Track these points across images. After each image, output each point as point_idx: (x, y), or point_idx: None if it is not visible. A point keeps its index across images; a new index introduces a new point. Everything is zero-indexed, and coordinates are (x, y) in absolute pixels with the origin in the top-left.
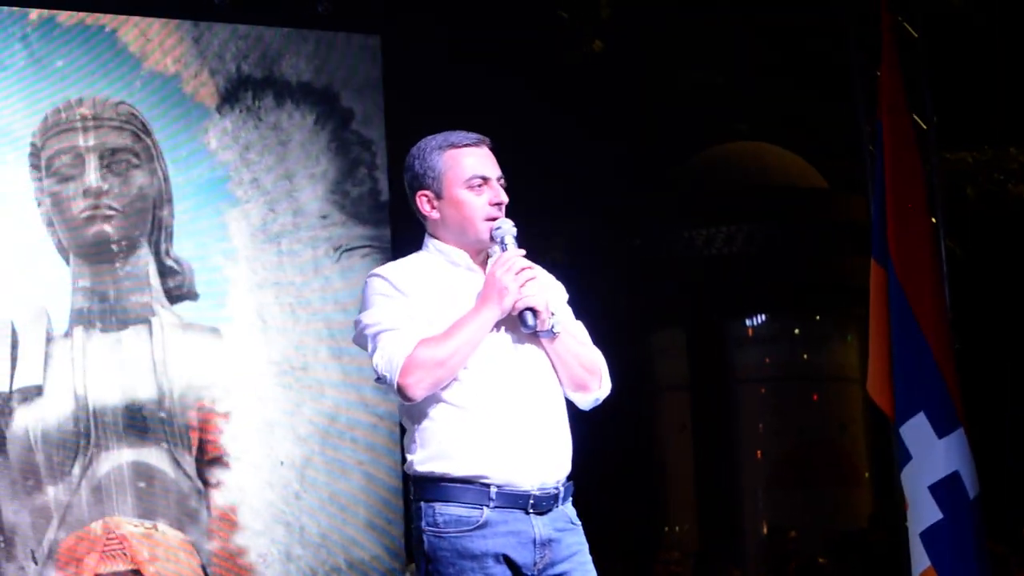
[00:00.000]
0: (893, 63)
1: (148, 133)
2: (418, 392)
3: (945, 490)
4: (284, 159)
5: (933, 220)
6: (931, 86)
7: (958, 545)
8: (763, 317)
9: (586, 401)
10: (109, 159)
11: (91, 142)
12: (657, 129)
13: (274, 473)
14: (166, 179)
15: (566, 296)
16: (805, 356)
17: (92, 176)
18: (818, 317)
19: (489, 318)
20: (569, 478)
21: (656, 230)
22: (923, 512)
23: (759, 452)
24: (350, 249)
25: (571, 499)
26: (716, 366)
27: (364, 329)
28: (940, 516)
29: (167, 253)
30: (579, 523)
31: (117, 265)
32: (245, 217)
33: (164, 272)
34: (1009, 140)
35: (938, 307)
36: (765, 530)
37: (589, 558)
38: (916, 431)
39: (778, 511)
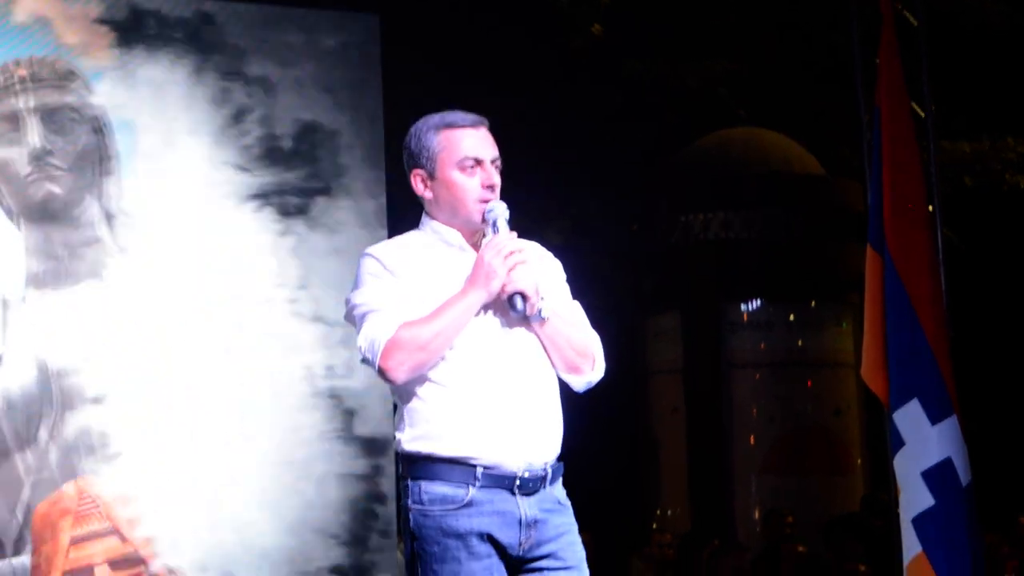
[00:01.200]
0: (892, 51)
1: (89, 90)
2: (399, 374)
3: (938, 476)
4: None
5: (930, 208)
6: (930, 75)
7: (950, 531)
8: (758, 302)
9: (579, 383)
10: (50, 119)
11: (31, 103)
12: (657, 114)
13: None
14: (106, 132)
15: (563, 274)
16: (800, 342)
17: (35, 138)
18: (813, 303)
19: (475, 301)
20: (559, 459)
21: (654, 214)
22: (915, 498)
23: (752, 437)
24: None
25: (560, 480)
26: (711, 350)
27: (352, 309)
28: (932, 502)
29: (114, 205)
30: (568, 504)
31: (66, 223)
32: None
33: (112, 225)
34: (1007, 130)
35: (934, 295)
36: (757, 515)
37: (578, 539)
38: (910, 417)
39: (771, 496)
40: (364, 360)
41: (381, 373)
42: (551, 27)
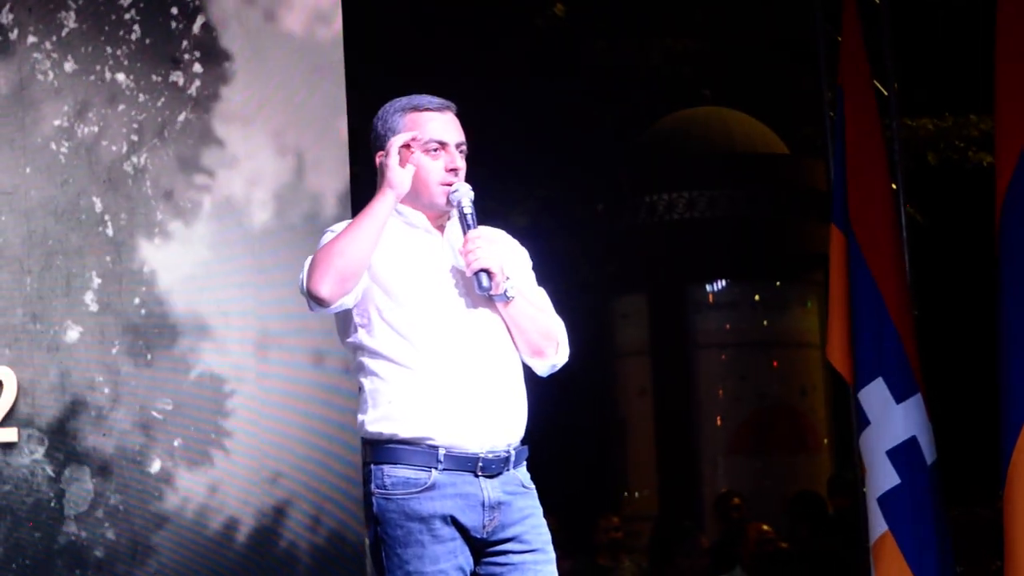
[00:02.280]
0: (855, 29)
1: None
2: (323, 289)
3: (903, 455)
4: None
5: (894, 186)
6: (893, 53)
7: (916, 509)
8: (724, 283)
9: (543, 367)
10: None
11: None
12: (623, 94)
13: None
14: None
15: (529, 262)
16: (765, 322)
17: None
18: (778, 283)
19: (382, 202)
20: (523, 442)
21: (618, 195)
22: (881, 477)
23: (719, 418)
24: None
25: (525, 463)
26: (676, 331)
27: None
28: (898, 481)
29: None
30: (532, 487)
31: None
32: None
33: None
34: (969, 107)
35: (898, 273)
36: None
37: (542, 521)
38: (874, 396)
39: (738, 476)
40: (305, 296)
41: (310, 296)
42: (514, 7)
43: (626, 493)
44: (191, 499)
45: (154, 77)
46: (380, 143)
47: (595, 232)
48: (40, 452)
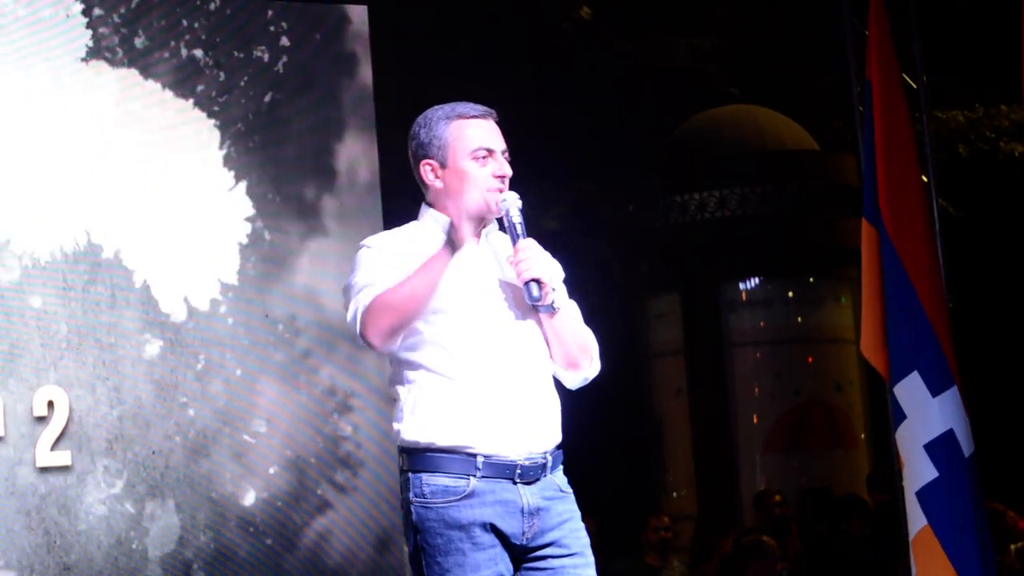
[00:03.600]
0: (882, 23)
1: None
2: (377, 340)
3: (940, 448)
4: None
5: (924, 179)
6: (921, 45)
7: (954, 503)
8: (757, 280)
9: (575, 380)
10: None
11: None
12: (651, 94)
13: None
14: None
15: (562, 275)
16: (799, 319)
17: None
18: (811, 279)
19: (442, 258)
20: (559, 447)
21: (650, 195)
22: (919, 471)
23: (755, 416)
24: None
25: (561, 467)
26: (711, 330)
27: (347, 292)
28: (936, 474)
29: None
30: (570, 491)
31: None
32: None
33: None
34: (1000, 98)
35: (931, 266)
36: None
37: (581, 525)
38: (910, 390)
39: (775, 474)
40: (357, 334)
41: (364, 341)
42: (541, 11)
43: (664, 493)
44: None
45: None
46: (425, 151)
47: (627, 233)
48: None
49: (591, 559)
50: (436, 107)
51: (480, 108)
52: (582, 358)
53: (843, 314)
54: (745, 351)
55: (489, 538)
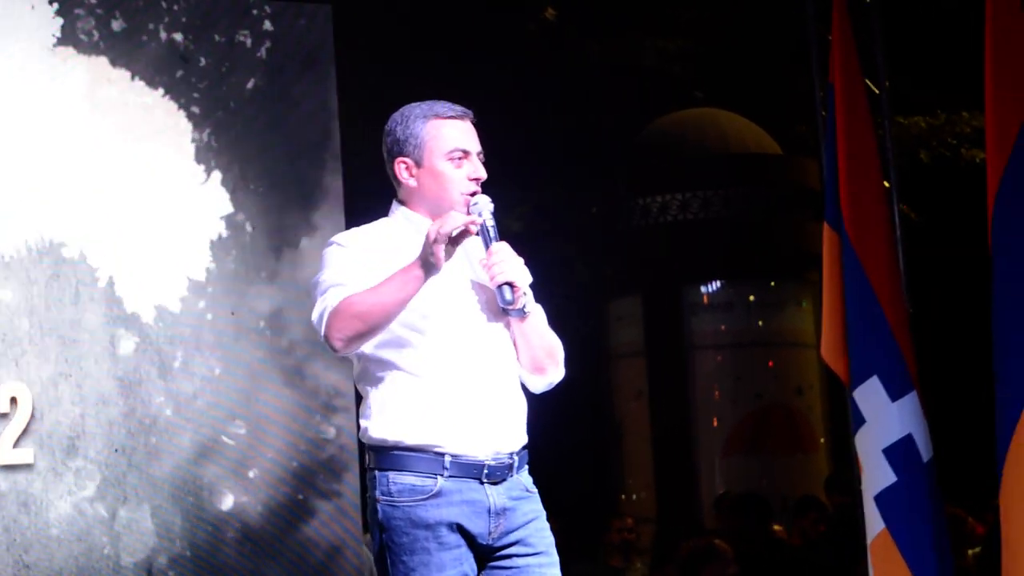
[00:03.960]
0: (845, 27)
1: None
2: (339, 344)
3: (899, 453)
4: None
5: (886, 184)
6: (884, 50)
7: (913, 507)
8: (718, 283)
9: (539, 384)
10: None
11: None
12: (616, 96)
13: None
14: None
15: (530, 279)
16: (760, 322)
17: None
18: (773, 283)
19: (415, 275)
20: (525, 448)
21: (613, 197)
22: (877, 475)
23: (715, 418)
24: None
25: (527, 468)
26: (672, 333)
27: (314, 289)
28: (894, 479)
29: None
30: (535, 491)
31: None
32: None
33: None
34: (962, 104)
35: (892, 271)
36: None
37: (546, 524)
38: (870, 394)
39: (735, 477)
40: (320, 335)
41: (326, 341)
42: (506, 12)
43: (624, 495)
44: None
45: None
46: (400, 148)
47: (590, 235)
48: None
49: (556, 558)
50: (414, 104)
51: (458, 108)
52: (548, 363)
53: (804, 318)
54: (706, 354)
55: (455, 538)
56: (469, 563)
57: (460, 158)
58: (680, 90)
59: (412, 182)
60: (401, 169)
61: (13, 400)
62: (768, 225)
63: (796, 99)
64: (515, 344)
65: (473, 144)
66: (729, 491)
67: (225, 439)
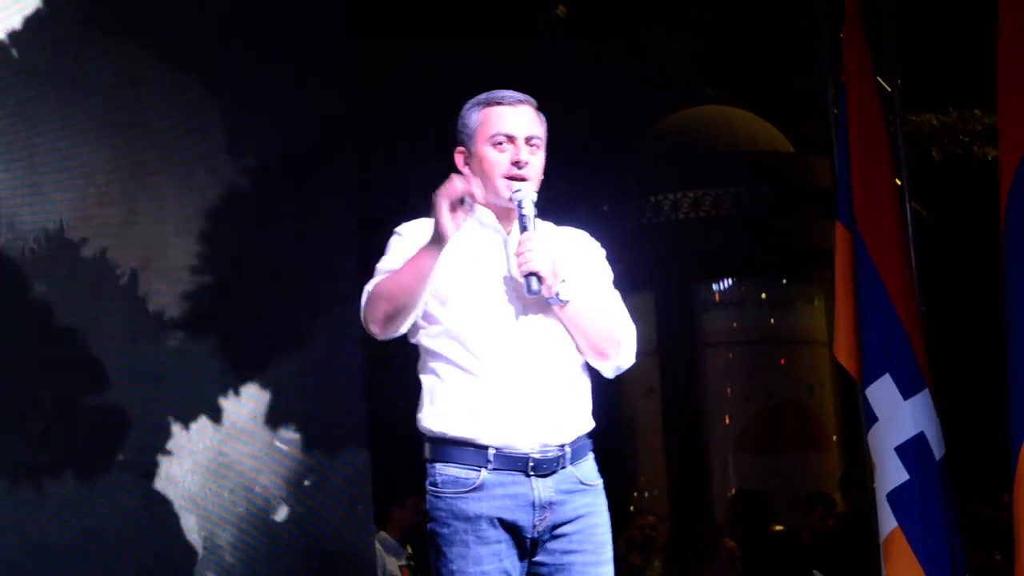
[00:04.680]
0: (856, 25)
1: None
2: (373, 327)
3: (911, 451)
4: None
5: (898, 182)
6: (896, 48)
7: (925, 505)
8: (730, 281)
9: (606, 369)
10: None
11: None
12: (625, 94)
13: None
14: None
15: (601, 262)
16: (772, 320)
17: None
18: (785, 281)
19: (427, 251)
20: (584, 439)
21: (625, 195)
22: (890, 473)
23: (727, 416)
24: None
25: (587, 460)
26: (684, 330)
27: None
28: (907, 477)
29: None
30: (595, 484)
31: None
32: None
33: None
34: (974, 102)
35: (904, 269)
36: (732, 494)
37: (600, 522)
38: (882, 392)
39: (747, 475)
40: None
41: (365, 327)
42: (517, 10)
43: (636, 493)
44: None
45: None
46: (458, 139)
47: (601, 233)
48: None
49: (605, 557)
50: (479, 95)
51: (514, 95)
52: (607, 347)
53: (816, 316)
54: (718, 352)
55: (495, 533)
56: (511, 559)
57: (503, 143)
58: (691, 88)
59: (466, 171)
60: (458, 159)
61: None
62: (780, 223)
63: (807, 97)
64: (570, 332)
65: (521, 129)
66: (742, 489)
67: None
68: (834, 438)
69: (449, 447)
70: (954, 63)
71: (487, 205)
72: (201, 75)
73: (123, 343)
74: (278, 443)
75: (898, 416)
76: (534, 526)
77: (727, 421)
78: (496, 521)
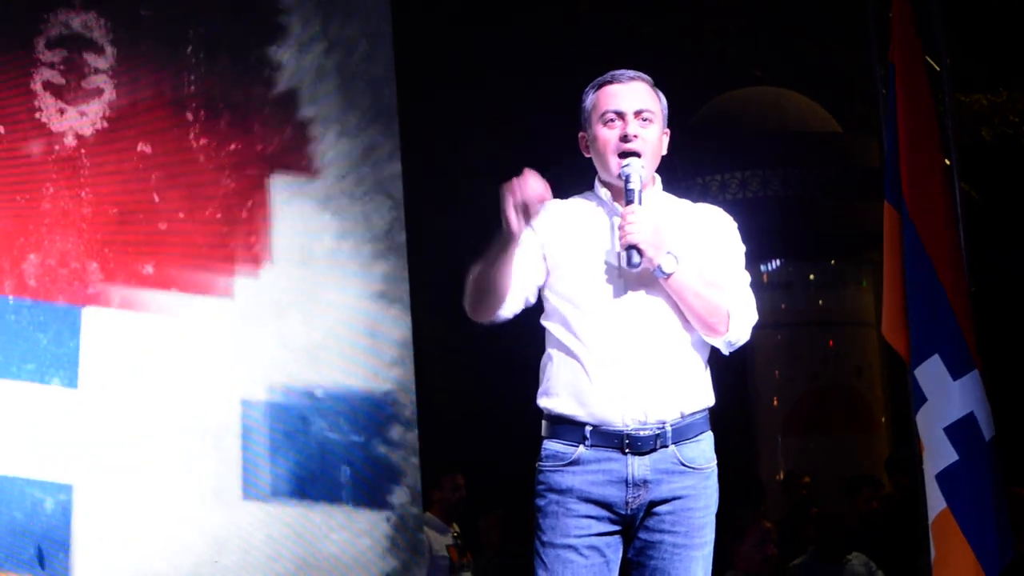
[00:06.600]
0: (905, 4)
1: None
2: (469, 312)
3: (960, 432)
4: None
5: (947, 162)
6: (944, 27)
7: (974, 486)
8: (778, 262)
9: (719, 343)
10: None
11: None
12: (673, 75)
13: None
14: None
15: (732, 237)
16: (820, 301)
17: None
18: (833, 262)
19: (499, 241)
20: (690, 417)
21: (672, 176)
22: (939, 454)
23: (775, 398)
24: None
25: (696, 441)
26: None
27: None
28: (956, 458)
29: None
30: (702, 467)
31: None
32: None
33: None
34: None
35: (952, 249)
36: (781, 476)
37: (701, 505)
38: (931, 373)
39: (795, 457)
40: None
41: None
42: None
43: None
44: None
45: None
46: (580, 123)
47: None
48: None
49: (699, 541)
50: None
51: (628, 72)
52: (715, 322)
53: (864, 297)
54: (766, 333)
55: (585, 507)
56: (600, 534)
57: (612, 120)
58: (739, 69)
59: (587, 152)
60: (581, 142)
61: None
62: (828, 204)
63: (856, 77)
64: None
65: (629, 104)
66: (792, 471)
67: None
68: (882, 420)
69: (554, 424)
70: (1005, 42)
71: (606, 184)
72: None
73: None
74: None
75: (947, 396)
76: (627, 503)
77: (775, 403)
78: (586, 495)
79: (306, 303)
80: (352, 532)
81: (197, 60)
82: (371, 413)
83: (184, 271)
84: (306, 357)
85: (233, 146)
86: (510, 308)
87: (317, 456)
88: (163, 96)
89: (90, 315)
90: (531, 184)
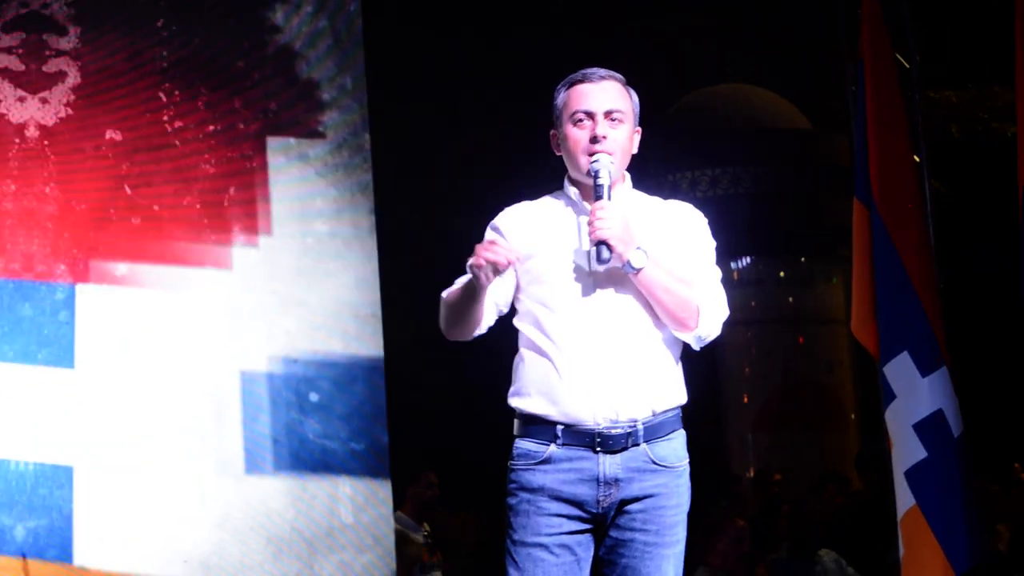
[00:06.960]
0: (874, 1)
1: None
2: (446, 335)
3: (929, 428)
4: None
5: (916, 158)
6: (914, 24)
7: (943, 483)
8: (748, 260)
9: (689, 339)
10: None
11: None
12: (643, 72)
13: None
14: None
15: (700, 232)
16: (790, 298)
17: None
18: (803, 259)
19: (464, 288)
20: (662, 415)
21: (642, 173)
22: (908, 451)
23: (745, 395)
24: None
25: (667, 439)
26: None
27: None
28: (925, 454)
29: None
30: (674, 465)
31: None
32: None
33: None
34: (993, 78)
35: (922, 246)
36: (752, 473)
37: (672, 503)
38: (900, 370)
39: (765, 453)
40: None
41: None
42: None
43: None
44: None
45: None
46: (552, 122)
47: None
48: None
49: (671, 539)
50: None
51: (597, 72)
52: (685, 317)
53: (834, 294)
54: (736, 330)
55: (556, 506)
56: (570, 532)
57: (582, 120)
58: (709, 66)
59: (557, 151)
60: (552, 141)
61: None
62: (798, 201)
63: (825, 74)
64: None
65: (599, 104)
66: (763, 468)
67: None
68: (852, 417)
69: (525, 423)
70: (973, 39)
71: (575, 182)
72: None
73: None
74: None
75: (916, 393)
76: (598, 501)
77: (745, 400)
78: (557, 494)
79: (306, 272)
80: (355, 505)
81: (170, 33)
82: (372, 383)
83: (179, 245)
84: (307, 326)
85: (212, 128)
86: (485, 325)
87: (319, 427)
88: (134, 74)
89: (84, 293)
90: (498, 251)
